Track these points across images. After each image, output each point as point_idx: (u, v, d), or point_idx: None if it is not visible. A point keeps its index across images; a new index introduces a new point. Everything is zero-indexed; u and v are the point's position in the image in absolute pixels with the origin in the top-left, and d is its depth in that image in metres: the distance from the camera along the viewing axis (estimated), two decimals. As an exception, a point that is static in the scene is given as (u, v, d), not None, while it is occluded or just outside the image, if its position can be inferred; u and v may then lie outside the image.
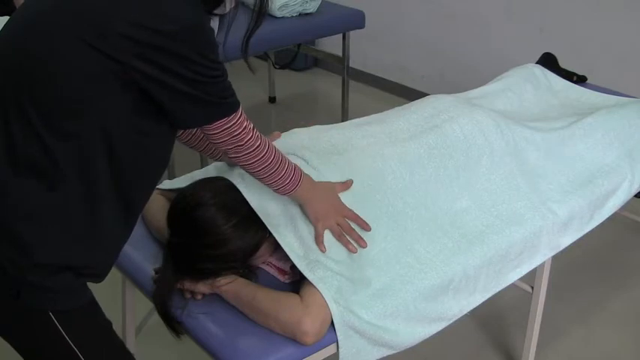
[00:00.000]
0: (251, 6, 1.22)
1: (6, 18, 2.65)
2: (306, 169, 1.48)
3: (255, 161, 1.24)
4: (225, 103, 1.15)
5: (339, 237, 1.39)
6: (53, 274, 1.07)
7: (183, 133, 1.44)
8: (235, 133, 1.18)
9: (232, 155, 1.23)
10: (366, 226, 1.42)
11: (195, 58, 1.06)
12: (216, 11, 1.18)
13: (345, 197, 1.45)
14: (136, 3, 1.02)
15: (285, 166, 1.30)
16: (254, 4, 1.22)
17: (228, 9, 1.22)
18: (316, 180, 1.43)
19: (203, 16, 1.09)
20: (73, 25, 1.02)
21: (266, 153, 1.25)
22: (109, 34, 1.00)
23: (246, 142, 1.20)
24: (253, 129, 1.22)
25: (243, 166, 1.27)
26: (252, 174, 1.29)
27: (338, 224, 1.40)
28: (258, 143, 1.23)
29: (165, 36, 1.02)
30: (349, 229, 1.41)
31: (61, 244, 1.08)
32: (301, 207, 1.40)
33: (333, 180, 1.47)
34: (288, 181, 1.31)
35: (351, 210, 1.43)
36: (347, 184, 1.46)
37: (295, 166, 1.34)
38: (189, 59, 1.05)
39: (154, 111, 1.09)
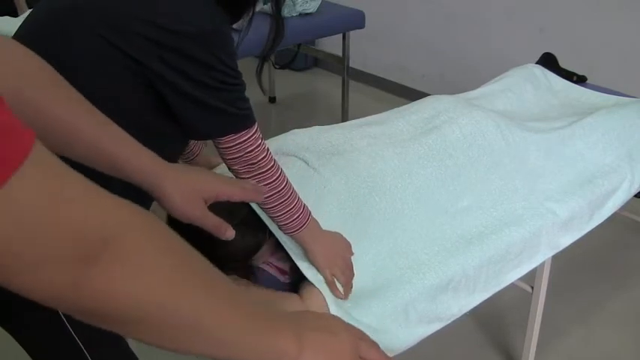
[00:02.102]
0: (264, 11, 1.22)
1: (6, 18, 2.64)
2: (305, 170, 1.48)
3: (265, 185, 1.19)
4: (241, 115, 1.12)
5: (345, 285, 1.33)
6: None
7: None
8: (249, 149, 1.14)
9: (243, 177, 1.18)
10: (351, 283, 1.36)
11: (211, 61, 1.04)
12: (235, 25, 1.17)
13: (345, 199, 1.45)
14: (153, 3, 1.02)
15: (294, 200, 1.24)
16: (269, 28, 1.20)
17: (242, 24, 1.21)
18: (317, 180, 1.43)
19: (222, 22, 1.08)
20: (90, 22, 1.02)
21: (277, 178, 1.20)
22: (128, 33, 1.01)
23: (259, 161, 1.16)
24: (268, 150, 1.18)
25: None
26: (259, 202, 1.23)
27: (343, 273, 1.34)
28: (271, 164, 1.18)
29: (182, 37, 1.01)
30: (349, 282, 1.35)
31: None
32: (306, 253, 1.33)
33: (333, 180, 1.47)
34: (295, 217, 1.25)
35: (352, 263, 1.37)
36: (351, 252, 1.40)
37: (305, 205, 1.28)
38: (204, 62, 1.04)
39: (170, 113, 1.09)
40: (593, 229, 1.78)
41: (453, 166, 1.64)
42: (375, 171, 1.54)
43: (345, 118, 3.41)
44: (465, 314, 1.50)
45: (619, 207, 1.84)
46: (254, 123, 1.14)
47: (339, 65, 3.38)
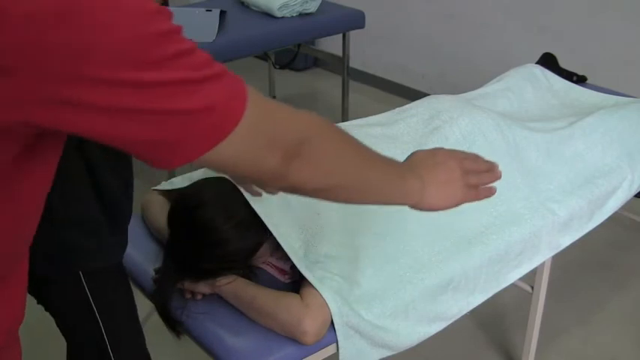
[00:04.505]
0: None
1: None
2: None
3: None
4: None
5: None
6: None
7: None
8: None
9: None
10: None
11: None
12: None
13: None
14: None
15: None
16: None
17: None
18: None
19: None
20: None
21: None
22: None
23: None
24: None
25: None
26: None
27: None
28: None
29: None
30: None
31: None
32: None
33: None
34: None
35: None
36: None
37: None
38: None
39: None
40: (593, 229, 1.78)
41: (452, 166, 1.64)
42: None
43: (345, 118, 3.41)
44: (465, 314, 1.50)
45: (619, 207, 1.84)
46: None
47: (339, 65, 3.38)
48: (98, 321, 1.20)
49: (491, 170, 1.10)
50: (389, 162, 0.98)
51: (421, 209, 1.06)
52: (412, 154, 1.07)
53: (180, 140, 0.67)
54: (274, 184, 0.81)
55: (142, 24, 0.62)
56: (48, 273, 1.16)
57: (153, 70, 0.62)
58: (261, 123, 0.73)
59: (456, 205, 1.08)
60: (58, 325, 1.27)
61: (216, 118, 0.68)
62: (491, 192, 1.11)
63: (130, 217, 1.27)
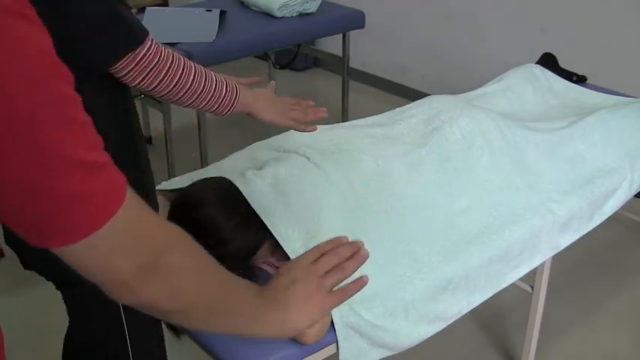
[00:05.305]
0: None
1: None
2: (307, 166, 1.48)
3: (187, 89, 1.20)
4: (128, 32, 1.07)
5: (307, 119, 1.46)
6: None
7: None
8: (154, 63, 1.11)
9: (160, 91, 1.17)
10: None
11: None
12: None
13: (347, 193, 1.45)
14: None
15: (214, 84, 1.26)
16: None
17: None
18: (318, 174, 1.43)
19: None
20: None
21: (194, 77, 1.20)
22: None
23: (167, 71, 1.14)
24: (171, 53, 1.15)
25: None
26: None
27: None
28: (181, 69, 1.16)
29: None
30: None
31: None
32: (255, 115, 1.38)
33: (335, 175, 1.47)
34: (224, 95, 1.28)
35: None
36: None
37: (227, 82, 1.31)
38: None
39: None
40: (593, 229, 1.78)
41: (451, 168, 1.64)
42: (377, 170, 1.54)
43: (345, 118, 3.41)
44: (465, 314, 1.50)
45: (619, 207, 1.84)
46: (147, 35, 1.11)
47: (339, 65, 3.38)
48: (123, 325, 1.19)
49: (355, 254, 1.03)
50: (248, 289, 0.92)
51: (287, 337, 1.01)
52: (271, 280, 1.00)
53: (51, 222, 0.62)
54: (125, 297, 0.74)
55: (46, 76, 0.57)
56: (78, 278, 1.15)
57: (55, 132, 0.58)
58: (129, 225, 0.68)
59: (322, 316, 1.01)
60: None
61: (93, 207, 0.63)
62: (362, 283, 1.04)
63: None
